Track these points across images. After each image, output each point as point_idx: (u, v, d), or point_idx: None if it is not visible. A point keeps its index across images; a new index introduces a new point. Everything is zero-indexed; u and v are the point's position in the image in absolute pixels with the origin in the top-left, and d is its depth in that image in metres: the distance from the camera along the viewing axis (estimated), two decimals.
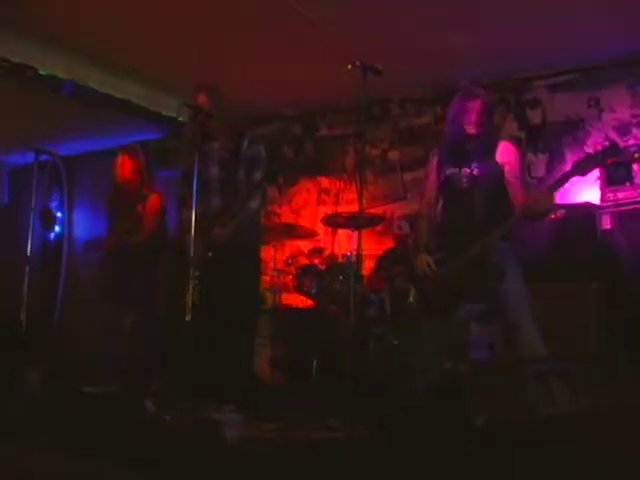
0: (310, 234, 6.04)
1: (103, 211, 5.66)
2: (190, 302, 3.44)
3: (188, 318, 3.43)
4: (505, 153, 3.46)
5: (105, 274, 4.83)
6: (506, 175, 3.40)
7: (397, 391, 3.92)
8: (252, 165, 3.82)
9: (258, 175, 3.81)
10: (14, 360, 4.41)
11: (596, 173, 4.73)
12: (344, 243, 5.91)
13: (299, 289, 5.30)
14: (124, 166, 4.76)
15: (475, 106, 3.42)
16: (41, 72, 5.44)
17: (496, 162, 3.43)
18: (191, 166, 3.62)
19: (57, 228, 7.97)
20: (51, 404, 3.55)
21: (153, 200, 4.75)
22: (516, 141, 5.38)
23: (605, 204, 4.63)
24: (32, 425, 3.17)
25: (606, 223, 4.48)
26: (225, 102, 3.92)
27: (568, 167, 3.24)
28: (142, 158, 4.82)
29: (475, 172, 3.43)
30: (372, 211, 5.78)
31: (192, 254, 3.51)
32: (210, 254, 3.64)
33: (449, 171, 3.51)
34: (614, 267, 4.36)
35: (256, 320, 4.28)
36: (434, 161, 3.64)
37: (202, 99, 3.84)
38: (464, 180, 3.45)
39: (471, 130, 3.43)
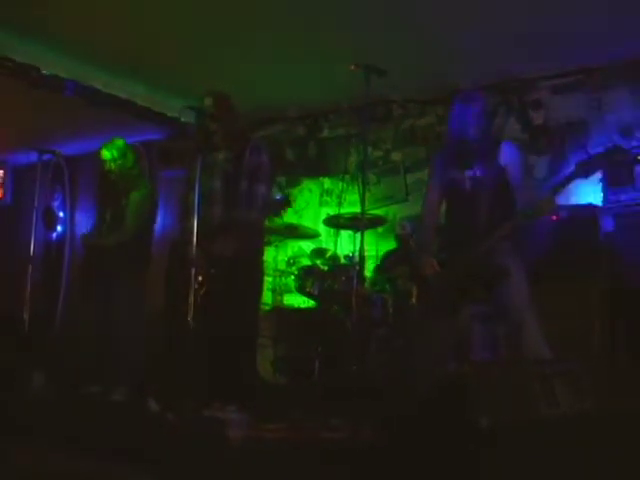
0: (312, 235, 6.05)
1: None
2: (192, 306, 3.44)
3: (190, 319, 3.44)
4: (507, 154, 3.47)
5: (87, 274, 4.72)
6: (509, 176, 3.41)
7: (400, 392, 3.92)
8: (255, 176, 3.76)
9: (262, 187, 3.76)
10: (17, 360, 4.41)
11: (599, 174, 4.74)
12: (346, 244, 5.93)
13: (301, 290, 5.31)
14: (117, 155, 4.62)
15: (475, 109, 3.43)
16: (45, 72, 5.46)
17: (498, 164, 3.44)
18: (194, 172, 3.61)
19: (59, 228, 7.97)
20: (53, 404, 3.55)
21: (136, 196, 4.59)
22: (518, 142, 5.39)
23: (608, 205, 4.63)
24: (35, 425, 3.18)
25: (608, 224, 4.48)
26: (231, 108, 3.90)
27: (571, 169, 3.24)
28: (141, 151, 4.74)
29: (478, 174, 3.44)
30: (374, 212, 5.79)
31: (193, 264, 3.51)
32: (213, 271, 3.63)
33: (452, 174, 3.52)
34: (616, 268, 4.36)
35: (257, 324, 4.25)
36: (437, 163, 3.65)
37: (208, 103, 3.84)
38: (467, 182, 3.46)
39: (472, 133, 3.43)
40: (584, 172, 3.14)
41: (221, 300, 3.65)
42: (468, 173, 3.46)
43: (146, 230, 4.65)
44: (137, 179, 4.66)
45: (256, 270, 3.94)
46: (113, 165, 4.61)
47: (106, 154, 4.60)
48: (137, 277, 4.59)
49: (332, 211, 6.24)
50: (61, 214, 8.01)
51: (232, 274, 3.64)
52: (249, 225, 3.72)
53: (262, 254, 4.06)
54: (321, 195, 6.75)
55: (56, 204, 7.96)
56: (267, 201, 3.83)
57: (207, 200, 3.73)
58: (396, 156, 6.38)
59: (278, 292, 6.01)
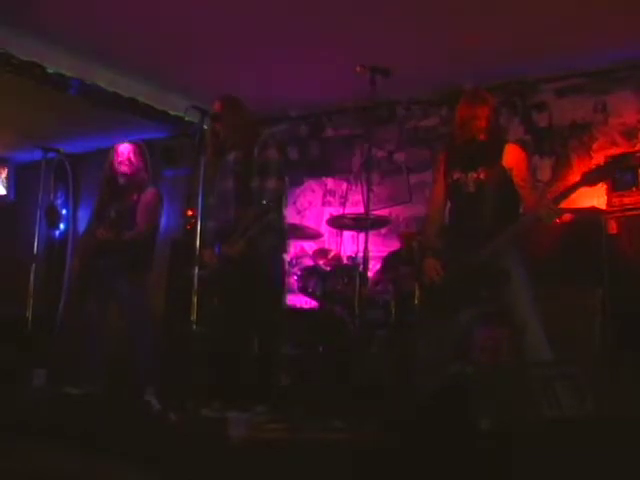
0: (315, 235, 6.04)
1: None
2: (195, 306, 3.43)
3: (193, 318, 3.43)
4: (513, 156, 3.46)
5: (88, 269, 4.65)
6: (514, 178, 3.40)
7: (402, 393, 3.92)
8: (265, 171, 3.69)
9: (271, 182, 3.67)
10: (20, 359, 4.42)
11: None
12: (349, 244, 5.92)
13: (303, 290, 5.30)
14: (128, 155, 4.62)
15: (484, 112, 3.42)
16: (49, 70, 5.45)
17: (503, 166, 3.43)
18: (214, 176, 3.59)
19: (62, 226, 7.98)
20: (53, 403, 3.55)
21: (149, 194, 4.59)
22: (522, 144, 5.38)
23: (611, 209, 4.62)
24: (34, 425, 3.17)
25: (612, 228, 4.47)
26: (240, 110, 3.88)
27: (575, 174, 3.25)
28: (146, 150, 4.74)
29: (482, 176, 3.42)
30: (378, 213, 5.78)
31: (208, 266, 3.50)
32: (222, 270, 3.61)
33: (456, 175, 3.51)
34: (619, 272, 4.35)
35: (276, 322, 4.12)
36: (441, 164, 3.64)
37: (217, 106, 3.82)
38: (471, 184, 3.45)
39: (481, 137, 3.42)
40: (590, 181, 3.15)
41: (231, 300, 3.64)
42: (472, 175, 3.45)
43: (155, 230, 4.67)
44: (146, 179, 4.68)
45: (268, 268, 3.82)
46: (128, 163, 4.63)
47: (123, 153, 4.62)
48: (140, 277, 4.59)
49: (335, 211, 6.23)
50: (64, 212, 8.02)
51: (241, 273, 3.61)
52: (262, 224, 3.61)
53: (277, 251, 3.92)
54: (324, 195, 6.75)
55: (59, 202, 7.97)
56: (279, 195, 3.75)
57: (223, 202, 3.72)
58: (399, 157, 6.37)
59: None
